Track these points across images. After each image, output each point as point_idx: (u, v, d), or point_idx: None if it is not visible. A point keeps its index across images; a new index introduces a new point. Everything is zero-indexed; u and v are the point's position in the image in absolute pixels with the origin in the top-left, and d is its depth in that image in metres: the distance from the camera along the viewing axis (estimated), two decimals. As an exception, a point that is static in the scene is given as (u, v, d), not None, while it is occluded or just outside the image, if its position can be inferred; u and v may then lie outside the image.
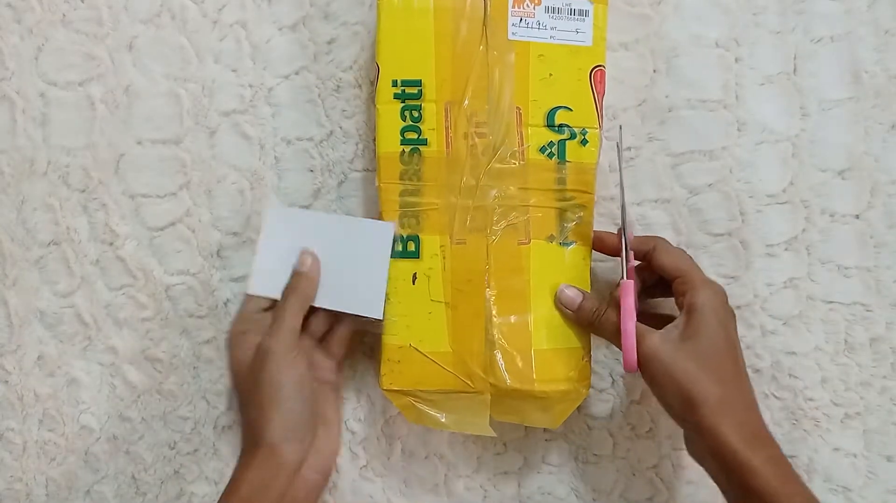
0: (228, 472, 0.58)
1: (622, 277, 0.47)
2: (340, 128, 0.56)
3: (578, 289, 0.49)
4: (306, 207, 0.57)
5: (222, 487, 0.58)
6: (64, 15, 0.57)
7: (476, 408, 0.49)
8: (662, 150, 0.55)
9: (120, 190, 0.57)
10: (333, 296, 0.50)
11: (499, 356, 0.48)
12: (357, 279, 0.50)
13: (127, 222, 0.57)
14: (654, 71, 0.55)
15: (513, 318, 0.49)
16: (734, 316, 0.47)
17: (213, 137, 0.57)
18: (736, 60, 0.55)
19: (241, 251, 0.57)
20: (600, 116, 0.49)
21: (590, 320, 0.48)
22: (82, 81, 0.57)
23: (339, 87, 0.56)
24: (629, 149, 0.55)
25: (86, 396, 0.58)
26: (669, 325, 0.46)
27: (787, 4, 0.55)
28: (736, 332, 0.47)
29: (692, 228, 0.55)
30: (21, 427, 0.59)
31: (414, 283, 0.50)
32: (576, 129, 0.49)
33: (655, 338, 0.45)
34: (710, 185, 0.55)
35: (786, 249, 0.55)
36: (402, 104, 0.49)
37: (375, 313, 0.49)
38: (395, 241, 0.49)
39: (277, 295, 0.50)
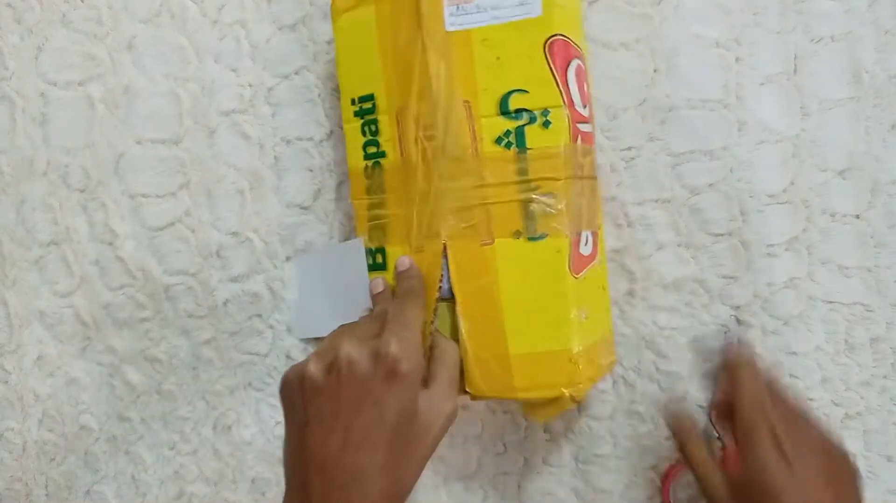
0: (228, 473, 0.58)
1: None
2: (340, 128, 0.56)
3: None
4: (306, 209, 0.57)
5: (222, 487, 0.58)
6: (64, 15, 0.57)
7: None
8: (662, 150, 0.55)
9: (119, 190, 0.57)
10: (331, 323, 0.51)
11: (472, 365, 0.46)
12: (355, 302, 0.50)
13: (126, 222, 0.57)
14: (655, 71, 0.55)
15: (484, 324, 0.46)
16: None
17: (213, 137, 0.57)
18: (736, 60, 0.54)
19: (240, 251, 0.57)
20: (566, 92, 0.45)
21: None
22: (82, 81, 0.57)
23: (338, 86, 0.56)
24: (629, 148, 0.55)
25: (85, 396, 0.58)
26: None
27: (787, 4, 0.54)
28: None
29: (692, 228, 0.55)
30: (21, 427, 0.59)
31: None
32: (535, 112, 0.45)
33: None
34: (710, 185, 0.55)
35: (786, 249, 0.55)
36: (362, 120, 0.49)
37: None
38: (366, 254, 0.50)
39: (316, 334, 0.54)
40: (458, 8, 0.45)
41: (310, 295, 0.55)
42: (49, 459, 0.59)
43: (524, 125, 0.45)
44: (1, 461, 0.59)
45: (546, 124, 0.45)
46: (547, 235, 0.45)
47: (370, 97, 0.48)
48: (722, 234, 0.55)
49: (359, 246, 0.50)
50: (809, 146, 0.55)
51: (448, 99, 0.45)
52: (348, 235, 0.56)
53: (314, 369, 0.40)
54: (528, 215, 0.45)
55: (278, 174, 0.57)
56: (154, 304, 0.57)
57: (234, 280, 0.57)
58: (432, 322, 0.46)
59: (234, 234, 0.57)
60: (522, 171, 0.45)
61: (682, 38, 0.54)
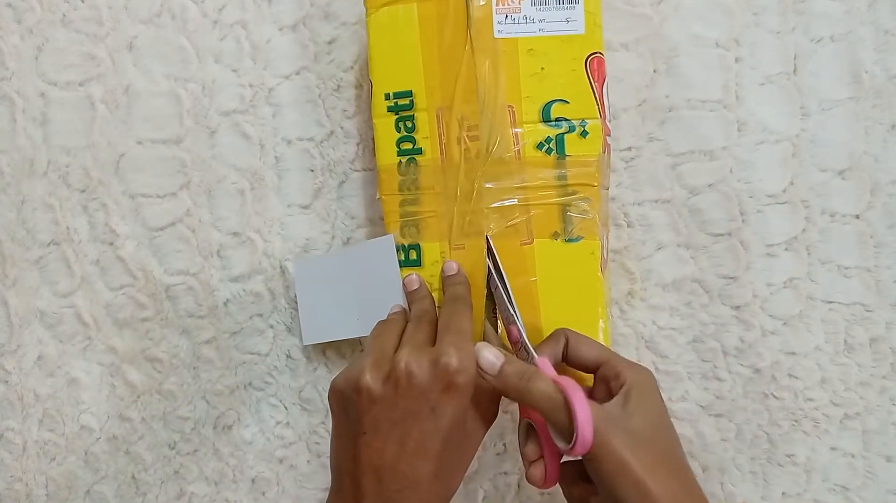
0: (228, 472, 0.58)
1: (532, 357, 0.42)
2: (341, 128, 0.56)
3: (499, 351, 0.41)
4: (306, 208, 0.57)
5: (222, 487, 0.58)
6: (64, 15, 0.57)
7: None
8: (662, 150, 0.55)
9: (120, 190, 0.57)
10: (348, 324, 0.51)
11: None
12: (382, 299, 0.50)
13: (127, 222, 0.57)
14: (654, 71, 0.55)
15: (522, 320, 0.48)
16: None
17: (213, 137, 0.57)
18: (736, 60, 0.55)
19: (241, 251, 0.57)
20: (601, 106, 0.48)
21: (516, 385, 0.39)
22: (82, 81, 0.57)
23: (339, 86, 0.56)
24: (629, 149, 0.55)
25: (86, 396, 0.58)
26: (607, 404, 0.39)
27: (787, 4, 0.55)
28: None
29: (692, 228, 0.55)
30: (21, 427, 0.59)
31: None
32: (574, 122, 0.48)
33: (602, 413, 0.37)
34: (710, 185, 0.55)
35: (786, 249, 0.55)
36: (396, 116, 0.49)
37: None
38: (397, 250, 0.50)
39: (329, 338, 0.53)
40: (506, 17, 0.48)
41: (318, 299, 0.54)
42: (49, 459, 0.59)
43: (564, 133, 0.48)
44: (1, 461, 0.59)
45: (584, 134, 0.48)
46: (582, 238, 0.48)
47: (408, 93, 0.49)
48: (721, 234, 0.55)
49: (390, 242, 0.50)
50: (809, 146, 0.55)
51: (494, 103, 0.48)
52: (350, 235, 0.56)
53: (371, 379, 0.40)
54: (566, 218, 0.48)
55: (279, 174, 0.57)
56: (154, 304, 0.57)
57: (235, 280, 0.57)
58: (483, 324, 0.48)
59: (235, 233, 0.57)
60: (561, 177, 0.48)
61: (682, 38, 0.55)
